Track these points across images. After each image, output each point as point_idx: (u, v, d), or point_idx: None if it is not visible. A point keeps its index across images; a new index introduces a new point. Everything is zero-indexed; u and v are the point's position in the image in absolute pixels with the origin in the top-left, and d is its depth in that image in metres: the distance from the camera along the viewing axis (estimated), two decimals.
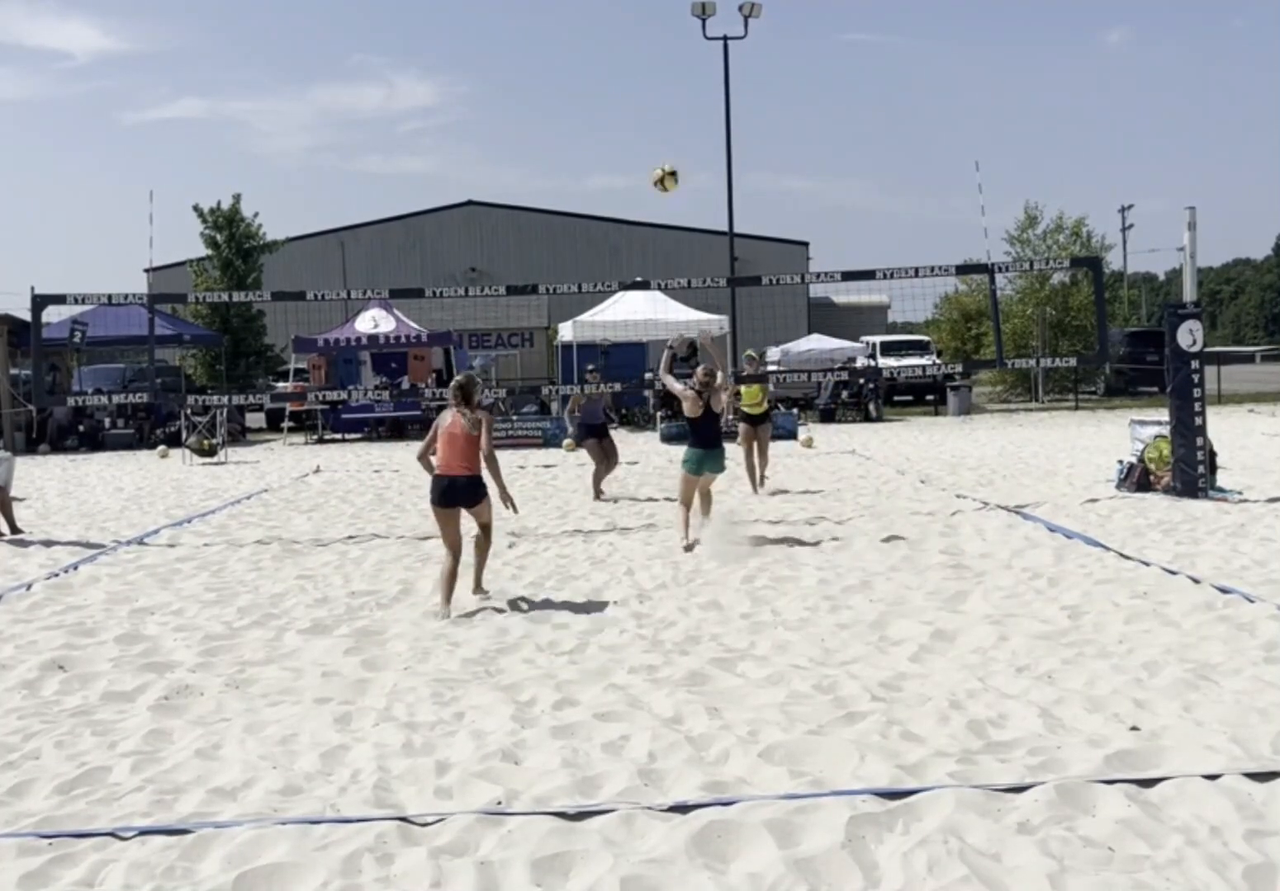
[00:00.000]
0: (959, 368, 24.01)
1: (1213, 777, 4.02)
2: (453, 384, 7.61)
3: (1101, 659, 5.67)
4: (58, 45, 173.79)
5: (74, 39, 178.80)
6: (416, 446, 8.23)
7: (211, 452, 20.28)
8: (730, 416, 13.48)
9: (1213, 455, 11.65)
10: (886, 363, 30.99)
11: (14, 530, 10.88)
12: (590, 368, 23.08)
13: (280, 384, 30.81)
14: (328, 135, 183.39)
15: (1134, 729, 4.63)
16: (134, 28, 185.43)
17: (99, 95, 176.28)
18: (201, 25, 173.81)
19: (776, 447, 19.41)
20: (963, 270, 15.31)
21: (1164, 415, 12.09)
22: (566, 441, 20.14)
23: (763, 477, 13.14)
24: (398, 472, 17.14)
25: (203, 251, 33.07)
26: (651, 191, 11.15)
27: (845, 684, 5.36)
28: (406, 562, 9.02)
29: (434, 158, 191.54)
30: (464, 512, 7.42)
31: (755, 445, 13.08)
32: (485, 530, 7.69)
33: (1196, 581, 7.27)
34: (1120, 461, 12.59)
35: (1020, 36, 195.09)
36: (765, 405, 13.48)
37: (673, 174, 10.90)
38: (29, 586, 8.24)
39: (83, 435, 24.69)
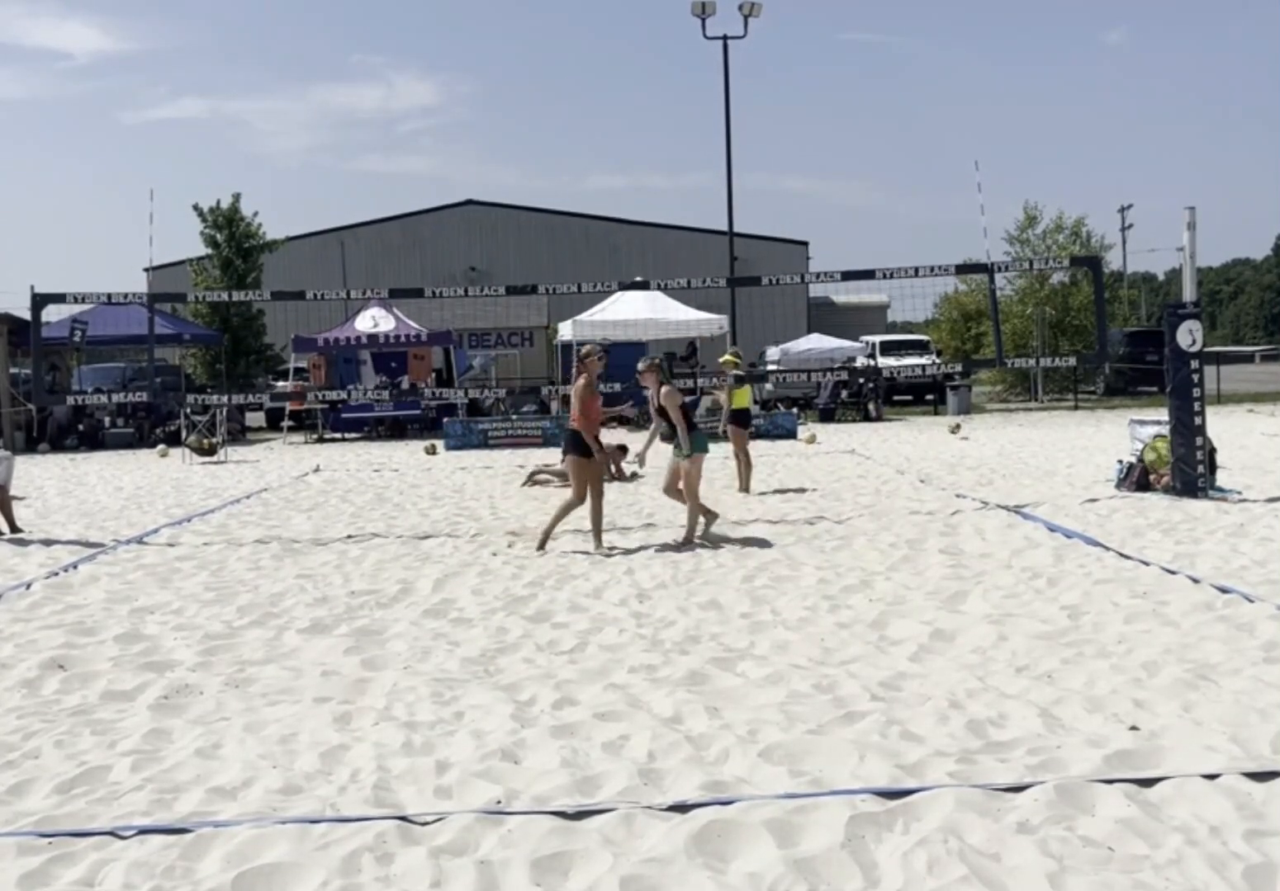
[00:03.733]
0: (959, 367, 23.98)
1: (1212, 777, 4.01)
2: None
3: (1101, 659, 5.66)
4: (58, 45, 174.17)
5: (74, 39, 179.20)
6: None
7: (211, 452, 20.28)
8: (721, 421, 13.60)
9: (1212, 455, 11.65)
10: (886, 362, 30.99)
11: (13, 529, 10.88)
12: None
13: (280, 383, 30.79)
14: (327, 135, 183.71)
15: (1133, 728, 4.63)
16: (134, 28, 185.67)
17: (99, 95, 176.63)
18: (201, 25, 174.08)
19: (777, 447, 19.48)
20: (962, 270, 15.31)
21: (1163, 415, 12.07)
22: None
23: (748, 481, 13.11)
24: (397, 472, 17.12)
25: (203, 250, 33.08)
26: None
27: (845, 683, 5.36)
28: (406, 562, 9.02)
29: (434, 157, 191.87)
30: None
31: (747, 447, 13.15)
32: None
33: (1196, 581, 7.27)
34: (1120, 461, 12.59)
35: (1020, 37, 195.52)
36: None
37: None
38: (29, 585, 8.24)
39: (82, 434, 24.70)
